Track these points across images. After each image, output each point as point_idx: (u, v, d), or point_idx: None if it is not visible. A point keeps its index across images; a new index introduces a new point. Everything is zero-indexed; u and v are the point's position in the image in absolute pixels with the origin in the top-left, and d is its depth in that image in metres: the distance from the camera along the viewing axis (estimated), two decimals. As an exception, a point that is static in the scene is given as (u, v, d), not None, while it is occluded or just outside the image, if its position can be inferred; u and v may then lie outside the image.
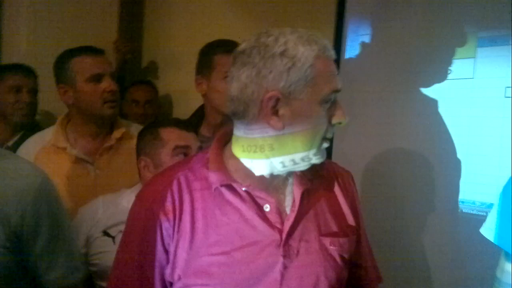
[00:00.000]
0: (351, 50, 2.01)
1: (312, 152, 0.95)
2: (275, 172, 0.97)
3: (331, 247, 1.00)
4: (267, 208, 0.97)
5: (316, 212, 1.01)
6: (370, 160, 1.90)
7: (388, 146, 1.87)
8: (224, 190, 0.97)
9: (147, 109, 2.51)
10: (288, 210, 0.98)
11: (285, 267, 0.95)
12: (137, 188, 1.49)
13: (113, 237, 1.48)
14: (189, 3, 2.64)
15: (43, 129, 1.91)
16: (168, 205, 0.97)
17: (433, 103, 1.76)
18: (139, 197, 1.03)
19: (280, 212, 0.98)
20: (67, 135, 1.77)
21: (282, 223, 0.97)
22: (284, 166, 0.96)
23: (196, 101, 2.07)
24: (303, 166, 0.97)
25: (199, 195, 0.98)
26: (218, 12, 2.44)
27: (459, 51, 1.70)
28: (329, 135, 0.96)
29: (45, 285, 1.20)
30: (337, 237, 1.01)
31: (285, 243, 0.96)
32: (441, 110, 1.74)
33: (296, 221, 0.98)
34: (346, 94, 1.89)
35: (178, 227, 0.96)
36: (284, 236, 0.96)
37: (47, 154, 1.75)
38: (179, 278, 0.96)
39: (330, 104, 0.94)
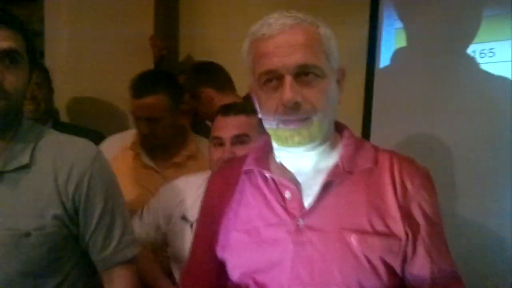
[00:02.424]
0: (386, 36, 1.98)
1: (273, 137, 1.02)
2: (279, 161, 1.03)
3: (356, 243, 0.93)
4: (288, 195, 0.99)
5: (345, 205, 0.96)
6: (408, 146, 1.85)
7: (427, 132, 1.83)
8: (256, 176, 1.05)
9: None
10: (311, 199, 0.98)
11: (296, 254, 0.95)
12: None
13: (191, 223, 1.51)
14: (223, 0, 2.65)
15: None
16: (221, 186, 1.10)
17: (474, 87, 1.72)
18: (208, 181, 1.19)
19: (300, 199, 0.98)
20: (140, 144, 1.89)
21: (301, 210, 0.97)
22: (278, 156, 1.04)
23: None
24: (287, 153, 1.01)
25: (242, 180, 1.07)
26: (253, 7, 2.44)
27: (500, 32, 1.65)
28: (287, 117, 0.94)
29: (100, 263, 1.21)
30: (365, 235, 0.94)
31: (297, 231, 0.96)
32: (481, 92, 1.69)
33: (314, 210, 0.97)
34: (383, 80, 1.95)
35: (223, 206, 1.07)
36: (296, 223, 0.96)
37: (124, 155, 1.89)
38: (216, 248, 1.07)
39: (276, 84, 0.94)
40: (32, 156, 1.11)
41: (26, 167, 1.10)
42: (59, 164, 1.12)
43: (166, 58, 2.63)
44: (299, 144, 0.97)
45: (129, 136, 1.94)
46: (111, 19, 2.52)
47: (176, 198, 1.57)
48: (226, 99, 2.03)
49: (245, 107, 1.54)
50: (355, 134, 1.07)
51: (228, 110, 1.49)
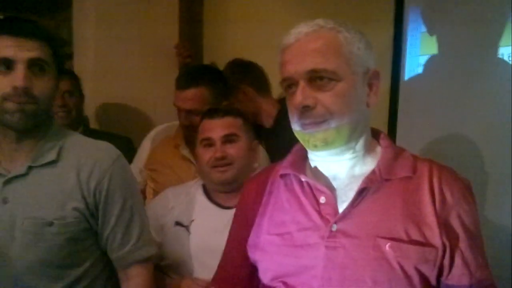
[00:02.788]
0: (412, 42, 1.96)
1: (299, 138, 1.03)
2: (314, 165, 1.05)
3: (390, 251, 0.92)
4: (323, 200, 1.00)
5: (381, 212, 0.96)
6: (430, 144, 1.83)
7: (450, 132, 1.80)
8: (292, 180, 1.06)
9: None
10: (346, 204, 0.98)
11: (328, 259, 0.95)
12: (200, 179, 1.63)
13: (186, 227, 1.54)
14: (247, 6, 2.67)
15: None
16: (256, 189, 1.12)
17: (498, 90, 1.68)
18: (245, 184, 1.22)
19: (335, 205, 0.99)
20: (182, 136, 1.96)
21: (335, 215, 0.97)
22: (312, 160, 1.06)
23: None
24: (315, 156, 1.04)
25: (278, 185, 1.09)
26: (277, 15, 2.45)
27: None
28: (303, 121, 0.97)
29: (118, 261, 1.27)
30: (400, 243, 0.93)
31: (331, 236, 0.96)
32: (507, 96, 1.64)
33: (348, 216, 0.97)
34: (409, 87, 1.92)
35: (258, 209, 1.09)
36: (329, 228, 0.96)
37: (166, 145, 2.02)
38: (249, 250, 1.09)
39: (295, 90, 0.97)
40: (59, 154, 1.22)
41: (52, 163, 1.21)
42: (83, 161, 1.22)
43: (190, 66, 2.66)
44: (316, 147, 0.99)
45: (173, 127, 2.05)
46: (137, 26, 2.58)
47: (165, 207, 1.61)
48: (265, 101, 2.10)
49: (230, 109, 1.66)
50: (390, 139, 1.07)
51: (214, 112, 1.59)
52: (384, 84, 1.99)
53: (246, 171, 1.54)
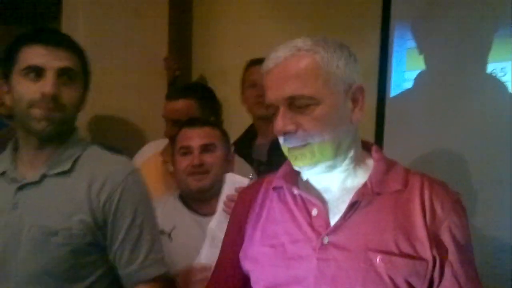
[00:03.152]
0: (398, 54, 1.98)
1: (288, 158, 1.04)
2: (306, 178, 1.06)
3: (380, 263, 0.93)
4: (314, 212, 1.01)
5: (372, 225, 0.97)
6: (417, 160, 1.84)
7: (437, 148, 1.82)
8: (285, 192, 1.07)
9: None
10: (337, 217, 0.99)
11: (320, 271, 0.96)
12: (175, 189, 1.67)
13: (168, 234, 1.56)
14: (236, 18, 2.70)
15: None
16: (248, 202, 1.13)
17: (485, 105, 1.71)
18: (238, 195, 1.24)
19: (326, 217, 1.00)
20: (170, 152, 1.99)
21: (327, 228, 0.98)
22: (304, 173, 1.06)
23: (246, 114, 2.13)
24: (303, 174, 1.05)
25: (271, 196, 1.10)
26: (266, 26, 2.48)
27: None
28: (287, 144, 0.99)
29: (124, 278, 1.24)
30: (391, 256, 0.93)
31: (322, 248, 0.97)
32: (493, 112, 1.68)
33: (340, 229, 0.98)
34: (395, 103, 1.94)
35: (251, 219, 1.11)
36: (321, 240, 0.97)
37: (155, 161, 2.04)
38: (241, 260, 1.10)
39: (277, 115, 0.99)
40: (73, 164, 1.22)
41: (66, 173, 1.21)
42: (96, 174, 1.21)
43: (179, 79, 2.67)
44: (301, 167, 1.01)
45: (163, 143, 2.08)
46: (126, 39, 2.58)
47: None
48: None
49: (208, 120, 1.75)
50: (382, 152, 1.08)
51: (194, 122, 1.67)
52: (370, 100, 2.02)
53: (221, 180, 1.56)
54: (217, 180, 1.56)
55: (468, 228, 1.00)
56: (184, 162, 1.58)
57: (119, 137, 2.51)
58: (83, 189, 1.19)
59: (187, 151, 1.58)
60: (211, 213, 1.51)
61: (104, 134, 2.53)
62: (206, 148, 1.58)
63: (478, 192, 1.69)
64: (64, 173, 1.21)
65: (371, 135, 2.01)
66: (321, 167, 1.00)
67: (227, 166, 1.63)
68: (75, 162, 1.23)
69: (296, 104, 0.96)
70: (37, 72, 1.16)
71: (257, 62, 2.09)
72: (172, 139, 1.87)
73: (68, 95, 1.20)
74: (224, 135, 1.68)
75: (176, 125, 1.86)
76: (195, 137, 1.59)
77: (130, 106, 2.50)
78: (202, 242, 1.48)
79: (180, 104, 1.92)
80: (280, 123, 0.97)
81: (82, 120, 2.43)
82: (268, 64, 0.99)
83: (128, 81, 2.57)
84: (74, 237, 1.17)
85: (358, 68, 1.02)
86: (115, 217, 1.21)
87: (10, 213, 1.19)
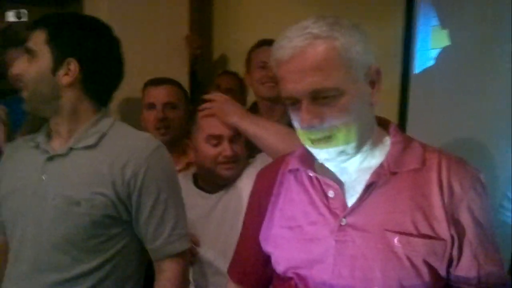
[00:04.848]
0: (422, 32, 1.94)
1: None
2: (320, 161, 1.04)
3: (398, 244, 0.93)
4: (331, 194, 1.01)
5: (389, 205, 0.96)
6: (441, 137, 1.80)
7: (461, 126, 1.79)
8: (302, 174, 1.07)
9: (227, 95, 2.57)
10: (354, 198, 0.99)
11: (338, 253, 0.97)
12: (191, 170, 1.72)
13: None
14: (257, -3, 2.67)
15: None
16: (267, 182, 1.13)
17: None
18: (256, 175, 1.22)
19: (343, 199, 1.00)
20: None
21: (344, 209, 0.98)
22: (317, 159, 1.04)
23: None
24: (325, 163, 1.03)
25: (288, 177, 1.10)
26: (287, 4, 2.45)
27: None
28: (310, 136, 0.97)
29: (151, 252, 1.28)
30: (409, 237, 0.93)
31: (340, 229, 0.97)
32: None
33: (357, 210, 0.98)
34: (419, 82, 1.91)
35: (269, 201, 1.11)
36: (338, 222, 0.98)
37: None
38: (261, 242, 1.11)
39: (298, 106, 0.96)
40: (99, 139, 1.26)
41: (91, 147, 1.25)
42: (120, 150, 1.24)
43: (200, 58, 2.67)
44: (327, 161, 1.00)
45: None
46: (147, 19, 2.57)
47: None
48: None
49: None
50: (400, 130, 1.06)
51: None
52: (394, 78, 1.99)
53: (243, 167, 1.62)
54: (242, 167, 1.60)
55: (488, 205, 0.98)
56: (213, 151, 1.57)
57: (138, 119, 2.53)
58: (106, 163, 1.22)
59: (217, 142, 1.57)
60: (217, 190, 1.60)
61: (125, 115, 2.56)
62: (235, 138, 1.58)
63: (501, 173, 1.66)
64: (89, 147, 1.24)
65: (395, 113, 1.99)
66: (344, 156, 0.99)
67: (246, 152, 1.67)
68: (101, 137, 1.26)
69: (319, 98, 0.93)
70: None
71: (267, 42, 2.08)
72: (161, 120, 1.90)
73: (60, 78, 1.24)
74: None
75: (166, 107, 1.92)
76: (225, 127, 1.58)
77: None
78: (208, 220, 1.53)
79: (166, 88, 1.96)
80: (305, 117, 0.94)
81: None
82: (283, 53, 0.94)
83: (149, 60, 2.58)
84: (95, 208, 1.20)
85: (371, 49, 0.98)
86: (140, 193, 1.23)
87: (38, 182, 1.24)
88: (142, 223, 1.25)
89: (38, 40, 1.23)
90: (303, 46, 0.92)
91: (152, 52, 2.57)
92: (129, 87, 2.54)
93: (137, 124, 2.34)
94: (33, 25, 1.26)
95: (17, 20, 2.38)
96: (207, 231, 1.56)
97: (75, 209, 1.20)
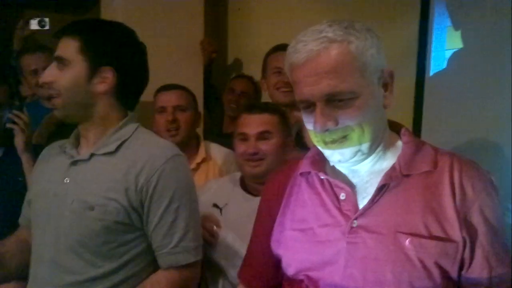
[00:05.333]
0: (438, 36, 1.93)
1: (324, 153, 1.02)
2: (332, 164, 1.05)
3: (410, 246, 0.93)
4: (343, 196, 1.01)
5: (401, 207, 0.96)
6: (458, 145, 1.79)
7: (477, 128, 1.77)
8: (313, 176, 1.07)
9: (241, 99, 2.60)
10: (366, 201, 0.99)
11: (350, 254, 0.96)
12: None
13: (220, 209, 1.66)
14: (273, 1, 2.68)
15: None
16: (278, 187, 1.13)
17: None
18: (267, 179, 1.24)
19: (355, 201, 1.00)
20: None
21: (356, 212, 0.98)
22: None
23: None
24: (337, 165, 1.04)
25: (299, 181, 1.10)
26: (301, 8, 2.45)
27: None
28: (324, 138, 0.97)
29: (157, 259, 1.27)
30: (421, 238, 0.93)
31: (351, 231, 0.97)
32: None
33: (369, 212, 0.97)
34: (434, 83, 1.90)
35: (280, 204, 1.11)
36: (350, 224, 0.97)
37: None
38: (272, 244, 1.11)
39: (312, 110, 0.96)
40: (119, 146, 1.27)
41: (111, 153, 1.27)
42: (137, 157, 1.25)
43: (215, 62, 2.69)
44: (340, 162, 1.00)
45: None
46: (163, 23, 2.60)
47: (204, 187, 1.76)
48: None
49: (268, 106, 1.75)
50: (412, 133, 1.06)
51: (252, 108, 1.68)
52: (410, 79, 1.99)
53: (278, 165, 1.58)
54: (273, 166, 1.59)
55: (499, 208, 0.98)
56: (241, 148, 1.63)
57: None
58: (122, 170, 1.23)
59: (244, 137, 1.63)
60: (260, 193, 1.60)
61: (141, 119, 2.58)
62: (261, 136, 1.61)
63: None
64: (109, 153, 1.26)
65: (410, 114, 1.98)
66: (357, 158, 0.99)
67: (284, 151, 1.66)
68: (121, 144, 1.27)
69: (334, 100, 0.94)
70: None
71: (282, 47, 2.09)
72: (172, 122, 2.00)
73: (60, 80, 1.24)
74: (283, 121, 1.69)
75: (176, 110, 2.01)
76: (252, 124, 1.62)
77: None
78: (250, 220, 1.53)
79: (177, 92, 2.05)
80: (320, 120, 0.94)
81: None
82: (299, 57, 0.94)
83: (164, 64, 2.60)
84: (107, 214, 1.21)
85: (384, 51, 0.98)
86: (151, 201, 1.23)
87: (60, 185, 1.27)
88: (151, 231, 1.25)
89: (70, 48, 1.24)
90: (318, 50, 0.92)
91: (168, 57, 2.59)
92: (146, 91, 2.60)
93: (150, 128, 2.38)
94: (61, 33, 1.27)
95: (40, 28, 2.41)
96: (247, 232, 1.57)
97: (89, 214, 1.21)
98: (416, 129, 1.95)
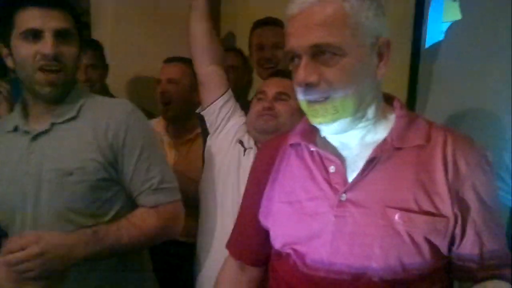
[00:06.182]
0: (435, 8, 1.89)
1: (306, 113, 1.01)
2: (324, 135, 1.03)
3: (399, 221, 0.91)
4: (332, 169, 0.99)
5: (391, 181, 0.94)
6: (451, 115, 1.78)
7: (472, 102, 1.73)
8: (302, 149, 1.06)
9: (229, 73, 2.54)
10: (355, 174, 0.97)
11: (337, 228, 0.95)
12: None
13: (244, 150, 1.69)
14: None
15: None
16: (267, 159, 1.12)
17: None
18: (257, 151, 1.22)
19: (344, 174, 0.98)
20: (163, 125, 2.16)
21: (345, 185, 0.97)
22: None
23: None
24: (322, 131, 1.02)
25: (289, 153, 1.09)
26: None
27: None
28: (307, 97, 0.95)
29: (138, 202, 1.33)
30: (410, 213, 0.92)
31: (340, 205, 0.96)
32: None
33: (358, 185, 0.96)
34: (430, 57, 1.87)
35: (269, 176, 1.10)
36: (338, 197, 0.96)
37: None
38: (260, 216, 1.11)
39: (298, 63, 0.95)
40: (78, 111, 1.31)
41: (72, 119, 1.30)
42: (99, 116, 1.30)
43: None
44: (321, 123, 0.97)
45: (154, 123, 2.16)
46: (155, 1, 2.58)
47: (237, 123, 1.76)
48: None
49: (290, 72, 1.71)
50: (405, 106, 1.04)
51: (277, 73, 1.75)
52: (405, 51, 1.96)
53: (289, 129, 1.61)
54: (284, 128, 1.60)
55: (494, 184, 0.97)
56: (257, 106, 1.65)
57: (145, 96, 2.52)
58: (89, 131, 1.28)
59: (262, 96, 1.66)
60: None
61: (131, 93, 2.57)
62: (279, 97, 1.64)
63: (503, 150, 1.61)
64: (70, 119, 1.30)
65: (404, 88, 1.96)
66: (340, 123, 0.96)
67: (297, 117, 1.65)
68: (80, 109, 1.31)
69: (320, 54, 0.92)
70: (35, 34, 1.22)
71: (263, 23, 2.09)
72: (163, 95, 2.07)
73: (67, 54, 1.26)
74: None
75: (170, 83, 2.07)
76: (271, 84, 1.67)
77: (159, 64, 2.50)
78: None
79: (174, 65, 2.11)
80: (302, 73, 0.93)
81: (109, 79, 2.47)
82: (293, 9, 0.94)
83: (157, 39, 2.58)
84: (88, 174, 1.25)
85: (385, 22, 0.97)
86: (123, 153, 1.29)
87: (27, 162, 1.27)
88: (129, 181, 1.30)
89: None
90: (312, 3, 0.92)
91: (160, 32, 2.57)
92: (137, 64, 2.58)
93: (149, 101, 2.36)
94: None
95: None
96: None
97: (69, 179, 1.24)
98: (411, 102, 1.92)
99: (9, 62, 1.30)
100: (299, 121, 1.61)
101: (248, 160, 1.65)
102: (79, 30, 1.32)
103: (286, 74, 1.66)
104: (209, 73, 1.75)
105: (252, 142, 1.70)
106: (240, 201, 1.61)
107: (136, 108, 1.36)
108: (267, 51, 2.11)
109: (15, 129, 1.32)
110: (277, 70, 1.87)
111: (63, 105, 1.31)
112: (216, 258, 1.51)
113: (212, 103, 1.74)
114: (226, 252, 1.24)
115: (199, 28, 1.73)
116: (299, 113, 1.62)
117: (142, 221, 1.30)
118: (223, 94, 1.74)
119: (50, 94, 1.27)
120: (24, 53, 1.24)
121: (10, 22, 1.25)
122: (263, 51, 2.08)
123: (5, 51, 1.29)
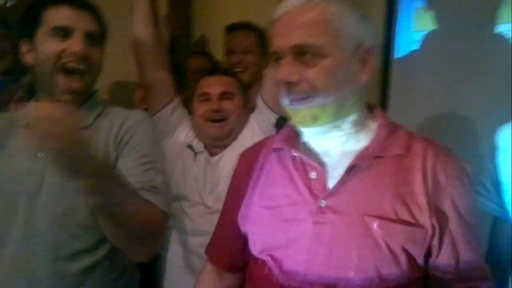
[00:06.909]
0: (405, 14, 1.93)
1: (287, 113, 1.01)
2: (306, 140, 1.03)
3: (377, 229, 0.91)
4: (313, 175, 0.99)
5: (370, 190, 0.94)
6: (423, 123, 1.82)
7: (443, 111, 1.79)
8: (285, 154, 1.06)
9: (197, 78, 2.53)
10: (335, 181, 0.97)
11: (315, 235, 0.95)
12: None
13: (195, 153, 1.69)
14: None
15: None
16: (249, 164, 1.12)
17: (493, 67, 1.67)
18: (239, 156, 1.21)
19: (324, 181, 0.98)
20: None
21: (324, 191, 0.97)
22: (305, 135, 1.03)
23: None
24: (304, 134, 1.03)
25: (270, 158, 1.09)
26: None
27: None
28: (289, 96, 0.96)
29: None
30: (388, 222, 0.91)
31: (319, 211, 0.96)
32: (502, 75, 1.63)
33: (337, 192, 0.96)
34: (400, 66, 1.90)
35: (250, 181, 1.10)
36: (318, 204, 0.96)
37: None
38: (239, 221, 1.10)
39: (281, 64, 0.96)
40: (94, 120, 1.29)
41: (86, 126, 1.27)
42: (114, 122, 1.29)
43: (179, 38, 2.62)
44: (301, 124, 0.99)
45: None
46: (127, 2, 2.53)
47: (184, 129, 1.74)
48: None
49: (227, 70, 1.83)
50: (386, 115, 1.05)
51: (214, 71, 1.75)
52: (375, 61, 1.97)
53: (237, 130, 1.64)
54: (235, 127, 1.62)
55: (472, 197, 0.98)
56: (203, 108, 1.63)
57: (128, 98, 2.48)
58: (100, 139, 1.26)
59: (206, 97, 1.64)
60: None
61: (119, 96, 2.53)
62: (224, 96, 1.63)
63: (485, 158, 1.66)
64: (84, 127, 1.25)
65: (375, 96, 1.98)
66: (322, 128, 0.98)
67: (244, 115, 1.68)
68: (96, 118, 1.30)
69: (302, 55, 0.93)
70: (65, 32, 1.21)
71: (235, 27, 2.08)
72: None
73: (94, 56, 1.25)
74: (241, 85, 1.74)
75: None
76: (214, 84, 1.64)
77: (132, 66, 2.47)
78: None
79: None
80: (283, 71, 0.94)
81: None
82: (279, 11, 0.97)
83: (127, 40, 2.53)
84: None
85: (370, 30, 0.99)
86: (127, 147, 1.26)
87: (33, 162, 1.22)
88: (123, 174, 1.22)
89: None
90: (297, 6, 0.95)
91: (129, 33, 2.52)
92: (115, 68, 2.52)
93: (130, 105, 2.31)
94: None
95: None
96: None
97: (72, 185, 1.16)
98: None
99: (28, 58, 1.26)
100: (245, 118, 1.67)
101: (199, 164, 1.65)
102: (103, 36, 1.31)
103: (224, 71, 1.74)
104: (156, 80, 1.69)
105: (201, 146, 1.68)
106: (195, 204, 1.62)
107: (148, 118, 1.37)
108: (236, 56, 2.10)
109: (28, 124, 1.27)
110: (212, 67, 1.90)
111: (85, 110, 1.29)
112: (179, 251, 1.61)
113: (159, 111, 1.70)
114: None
115: (143, 32, 1.65)
116: (244, 110, 1.68)
117: (141, 200, 1.23)
118: (170, 102, 1.71)
119: (66, 100, 1.24)
120: (50, 50, 1.21)
121: (37, 18, 1.22)
122: (233, 55, 2.07)
123: (26, 46, 1.26)
